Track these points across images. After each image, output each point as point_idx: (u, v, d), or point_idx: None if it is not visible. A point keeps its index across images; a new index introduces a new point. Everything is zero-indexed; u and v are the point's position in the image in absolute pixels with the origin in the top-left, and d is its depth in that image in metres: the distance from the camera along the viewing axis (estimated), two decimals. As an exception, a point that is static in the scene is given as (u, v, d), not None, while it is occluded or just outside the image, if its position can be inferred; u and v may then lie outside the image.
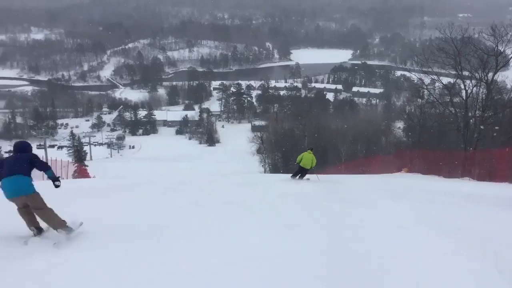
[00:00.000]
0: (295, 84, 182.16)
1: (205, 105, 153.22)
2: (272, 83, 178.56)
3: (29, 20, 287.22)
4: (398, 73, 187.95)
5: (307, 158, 16.19)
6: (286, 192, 11.88)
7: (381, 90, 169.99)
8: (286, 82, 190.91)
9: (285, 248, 5.91)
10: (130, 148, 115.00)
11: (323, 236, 6.61)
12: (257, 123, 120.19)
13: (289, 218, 7.95)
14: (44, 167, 6.30)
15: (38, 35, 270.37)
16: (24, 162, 6.09)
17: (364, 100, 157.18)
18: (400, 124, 66.64)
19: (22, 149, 6.34)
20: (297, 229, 7.03)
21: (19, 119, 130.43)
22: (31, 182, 6.09)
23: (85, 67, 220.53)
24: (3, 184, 5.92)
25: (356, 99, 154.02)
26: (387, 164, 33.19)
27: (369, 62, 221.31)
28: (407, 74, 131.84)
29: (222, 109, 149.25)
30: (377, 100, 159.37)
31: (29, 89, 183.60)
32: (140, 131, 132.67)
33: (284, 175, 20.48)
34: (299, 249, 5.88)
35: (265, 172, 54.99)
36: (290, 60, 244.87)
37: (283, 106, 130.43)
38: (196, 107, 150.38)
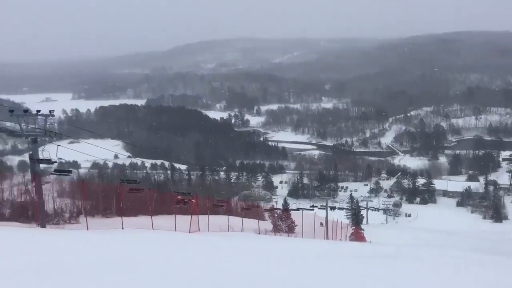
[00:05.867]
0: None
1: (492, 176, 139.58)
2: None
3: (321, 91, 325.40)
4: None
5: None
6: None
7: None
8: None
9: None
10: (406, 216, 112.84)
11: None
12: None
13: None
14: None
15: (327, 104, 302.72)
16: None
17: None
18: None
19: None
20: None
21: (305, 180, 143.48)
22: None
23: (367, 134, 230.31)
24: None
25: None
26: None
27: None
28: None
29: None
30: None
31: (316, 153, 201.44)
32: (418, 199, 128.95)
33: None
34: None
35: None
36: None
37: None
38: (481, 178, 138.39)
